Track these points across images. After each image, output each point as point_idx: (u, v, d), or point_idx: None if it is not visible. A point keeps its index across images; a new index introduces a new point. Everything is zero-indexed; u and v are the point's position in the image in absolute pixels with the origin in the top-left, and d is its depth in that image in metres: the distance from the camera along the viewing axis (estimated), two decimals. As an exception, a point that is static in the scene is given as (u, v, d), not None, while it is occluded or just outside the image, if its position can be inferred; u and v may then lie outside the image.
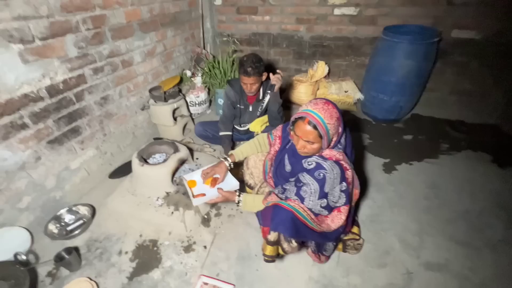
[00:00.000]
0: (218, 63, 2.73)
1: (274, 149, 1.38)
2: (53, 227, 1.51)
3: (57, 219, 1.56)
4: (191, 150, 1.89)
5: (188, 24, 2.71)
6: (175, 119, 2.32)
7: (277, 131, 1.39)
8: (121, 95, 2.01)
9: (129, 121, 2.16)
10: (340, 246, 1.39)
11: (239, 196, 1.23)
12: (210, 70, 2.73)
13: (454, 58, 2.53)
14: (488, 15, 2.27)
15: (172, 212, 1.55)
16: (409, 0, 2.41)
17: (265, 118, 2.00)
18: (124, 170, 1.94)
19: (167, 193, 1.64)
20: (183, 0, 2.54)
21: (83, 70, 1.66)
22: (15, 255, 1.25)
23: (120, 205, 1.62)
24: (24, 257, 1.27)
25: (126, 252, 1.44)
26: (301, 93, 2.77)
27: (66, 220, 1.59)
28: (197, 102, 2.62)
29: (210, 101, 2.83)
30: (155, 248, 1.46)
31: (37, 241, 1.48)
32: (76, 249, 1.39)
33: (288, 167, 1.25)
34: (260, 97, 1.92)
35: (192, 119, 2.56)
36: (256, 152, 1.50)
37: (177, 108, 2.33)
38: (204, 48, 3.02)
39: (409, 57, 2.17)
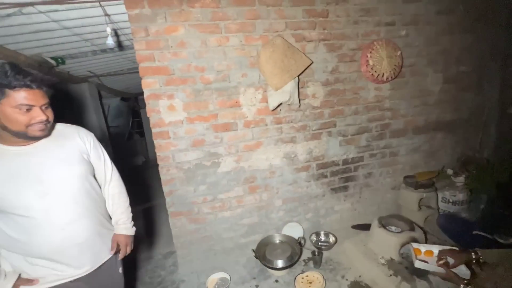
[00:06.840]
0: (492, 168, 2.54)
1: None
2: (313, 236, 2.48)
3: (317, 234, 2.53)
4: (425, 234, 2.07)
5: (463, 129, 2.87)
6: (420, 207, 2.55)
7: None
8: (381, 174, 2.72)
9: (379, 195, 2.78)
10: None
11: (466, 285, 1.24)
12: (478, 174, 2.61)
13: None
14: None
15: (390, 275, 1.86)
16: None
17: None
18: (364, 227, 2.55)
19: (392, 258, 1.97)
20: (463, 111, 2.81)
21: (364, 154, 2.61)
22: (298, 238, 2.32)
23: (352, 247, 2.23)
24: (301, 241, 2.30)
25: (347, 279, 1.99)
26: None
27: (321, 237, 2.52)
28: (451, 201, 2.62)
29: (470, 203, 2.64)
30: (367, 291, 1.89)
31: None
32: (321, 254, 2.20)
33: None
34: None
35: (439, 214, 2.58)
36: None
37: (424, 197, 2.56)
38: (479, 151, 2.93)
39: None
